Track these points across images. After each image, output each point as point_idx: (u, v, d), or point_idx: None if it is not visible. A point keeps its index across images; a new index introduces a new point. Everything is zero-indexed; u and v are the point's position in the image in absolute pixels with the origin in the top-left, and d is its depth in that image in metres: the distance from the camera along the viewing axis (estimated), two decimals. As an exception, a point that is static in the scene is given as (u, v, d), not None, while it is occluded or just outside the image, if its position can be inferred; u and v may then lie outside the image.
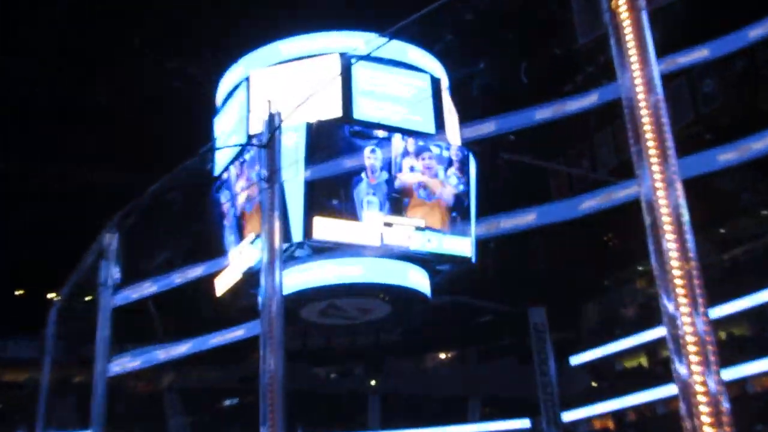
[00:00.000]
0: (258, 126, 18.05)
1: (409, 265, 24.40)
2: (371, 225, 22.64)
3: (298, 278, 23.51)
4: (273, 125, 16.73)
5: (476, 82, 31.68)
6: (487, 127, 23.51)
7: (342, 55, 23.80)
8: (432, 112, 25.03)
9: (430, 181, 23.82)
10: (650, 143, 10.67)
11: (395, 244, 22.92)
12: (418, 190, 23.53)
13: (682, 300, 9.77)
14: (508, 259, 37.73)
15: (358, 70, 24.15)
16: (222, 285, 24.92)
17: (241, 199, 23.91)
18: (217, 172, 25.92)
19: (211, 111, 27.22)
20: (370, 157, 23.23)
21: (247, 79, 24.83)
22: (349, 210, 22.48)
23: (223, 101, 26.52)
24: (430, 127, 24.83)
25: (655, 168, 10.53)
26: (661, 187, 10.39)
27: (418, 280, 24.83)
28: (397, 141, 23.70)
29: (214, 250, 25.64)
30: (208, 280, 25.39)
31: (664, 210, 10.30)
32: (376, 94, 24.33)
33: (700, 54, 20.50)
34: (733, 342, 38.01)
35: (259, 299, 16.51)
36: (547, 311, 40.62)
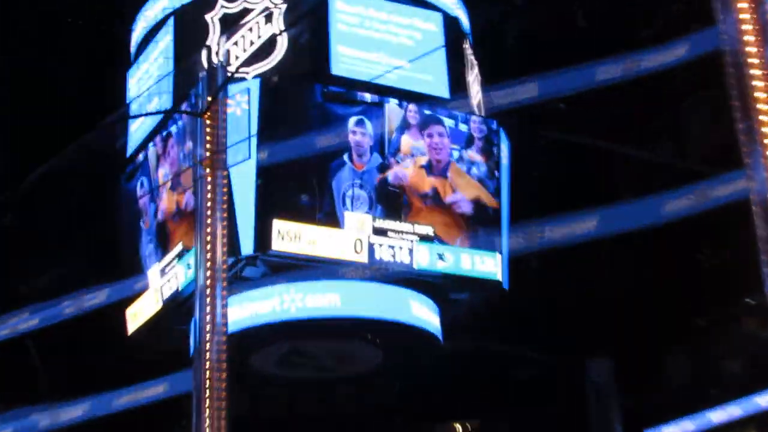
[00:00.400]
0: (191, 84, 18.07)
1: (411, 293, 24.53)
2: (357, 232, 22.77)
3: (247, 310, 23.53)
4: (214, 83, 16.73)
5: (511, 27, 31.76)
6: (526, 91, 23.76)
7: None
8: (445, 68, 25.25)
9: (440, 181, 24.10)
10: (766, 118, 10.79)
11: (391, 260, 23.05)
12: (421, 187, 23.82)
13: None
14: (557, 286, 37.79)
15: (338, 3, 24.33)
16: (135, 318, 24.90)
17: (165, 192, 24.00)
18: (130, 151, 26.06)
19: (124, 62, 27.47)
20: (356, 131, 23.38)
21: (175, 13, 24.98)
22: (324, 209, 22.65)
23: (138, 47, 26.60)
24: (442, 90, 25.07)
25: None
26: None
27: (424, 315, 24.93)
28: (393, 109, 23.81)
29: (125, 265, 25.72)
30: (115, 311, 25.39)
31: None
32: (365, 40, 24.50)
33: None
34: None
35: (191, 340, 16.45)
36: (614, 364, 40.71)
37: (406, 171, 23.71)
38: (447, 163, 24.19)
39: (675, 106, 34.38)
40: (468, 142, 24.51)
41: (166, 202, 24.26)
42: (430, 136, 24.06)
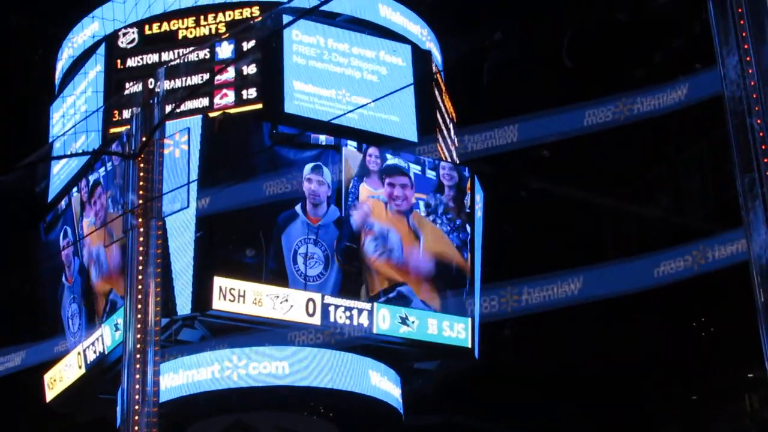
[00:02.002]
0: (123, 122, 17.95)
1: (371, 362, 24.44)
2: (308, 293, 22.70)
3: (183, 377, 23.40)
4: (149, 121, 16.66)
5: (489, 63, 31.70)
6: (505, 135, 23.66)
7: (266, 5, 24.17)
8: (413, 108, 25.25)
9: (400, 220, 24.02)
10: (766, 178, 10.71)
11: (348, 324, 22.98)
12: (378, 242, 23.74)
13: None
14: (536, 355, 37.67)
15: (294, 32, 24.27)
16: (56, 385, 24.65)
17: (91, 243, 23.89)
18: (51, 196, 25.90)
19: (47, 95, 27.35)
20: (312, 179, 23.34)
21: (106, 40, 25.01)
22: (271, 267, 22.51)
23: (64, 78, 26.59)
24: (409, 132, 25.07)
25: None
26: None
27: (384, 386, 24.83)
28: (352, 153, 23.76)
29: (44, 325, 25.46)
30: (31, 376, 25.20)
31: None
32: (323, 75, 24.46)
33: None
34: None
35: (118, 410, 16.48)
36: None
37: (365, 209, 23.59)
38: (409, 211, 24.09)
39: (672, 156, 34.44)
40: (436, 189, 24.40)
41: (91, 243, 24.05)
42: (392, 185, 23.97)
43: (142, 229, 16.22)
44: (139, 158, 16.41)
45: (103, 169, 23.44)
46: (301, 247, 22.91)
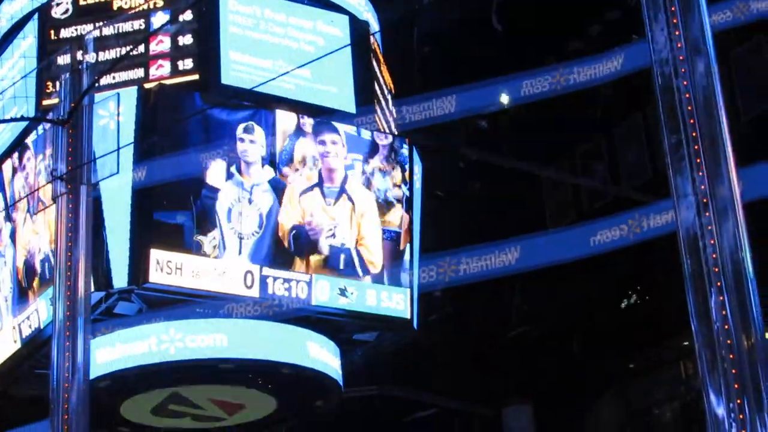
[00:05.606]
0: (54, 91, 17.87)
1: (309, 333, 24.22)
2: (247, 264, 22.47)
3: (119, 351, 23.08)
4: (79, 87, 16.35)
5: (421, 30, 31.59)
6: (442, 106, 23.44)
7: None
8: (351, 78, 25.17)
9: (332, 178, 23.83)
10: (693, 141, 10.87)
11: (286, 296, 22.81)
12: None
13: (738, 401, 10.02)
14: (473, 326, 37.62)
15: (230, 2, 24.17)
16: None
17: (20, 211, 23.75)
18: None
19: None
20: (245, 138, 23.15)
21: (39, 11, 24.82)
22: (204, 230, 22.32)
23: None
24: (347, 104, 24.94)
25: (702, 181, 10.70)
26: (708, 213, 10.57)
27: (323, 357, 24.59)
28: (286, 113, 23.61)
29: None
30: None
31: (712, 252, 10.46)
32: (260, 45, 24.32)
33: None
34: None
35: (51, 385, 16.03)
36: (535, 411, 40.67)
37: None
38: (344, 179, 24.00)
39: (609, 126, 34.50)
40: (371, 151, 24.39)
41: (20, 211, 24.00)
42: (323, 143, 23.87)
43: (70, 197, 16.01)
44: (68, 124, 16.20)
45: (34, 133, 23.16)
46: (235, 206, 22.74)
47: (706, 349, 10.31)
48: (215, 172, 22.70)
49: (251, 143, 23.19)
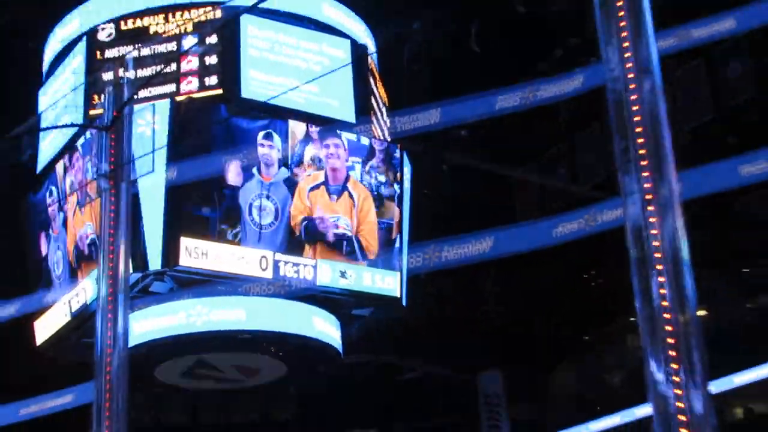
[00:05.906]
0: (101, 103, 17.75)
1: (314, 309, 24.30)
2: (262, 251, 22.45)
3: (154, 323, 23.22)
4: (120, 99, 16.29)
5: (409, 50, 31.48)
6: (429, 117, 23.42)
7: (224, 4, 23.59)
8: (351, 93, 25.00)
9: (336, 177, 23.78)
10: (640, 147, 10.69)
11: (295, 277, 22.76)
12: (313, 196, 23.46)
13: (674, 367, 9.91)
14: (452, 304, 37.60)
15: (249, 27, 23.95)
16: (43, 330, 24.43)
17: (71, 203, 23.71)
18: (41, 166, 25.53)
19: (36, 81, 26.83)
20: (264, 144, 23.06)
21: (87, 35, 24.64)
22: (228, 221, 22.29)
23: (51, 66, 26.16)
24: (348, 114, 24.76)
25: (646, 181, 10.58)
26: (652, 208, 10.45)
27: (326, 330, 24.71)
28: (297, 123, 23.60)
29: (33, 278, 25.19)
30: (22, 324, 24.96)
31: (654, 241, 10.36)
32: (274, 65, 24.11)
33: (721, 26, 20.72)
34: (754, 423, 38.41)
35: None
36: (504, 377, 40.62)
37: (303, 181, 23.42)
38: (346, 178, 23.98)
39: (571, 134, 34.46)
40: (369, 155, 24.37)
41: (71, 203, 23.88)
42: (327, 146, 23.84)
43: (113, 192, 16.09)
44: (111, 130, 16.20)
45: (82, 138, 23.14)
46: (255, 201, 22.65)
47: (648, 323, 10.17)
48: (234, 172, 22.64)
49: (270, 148, 23.09)
